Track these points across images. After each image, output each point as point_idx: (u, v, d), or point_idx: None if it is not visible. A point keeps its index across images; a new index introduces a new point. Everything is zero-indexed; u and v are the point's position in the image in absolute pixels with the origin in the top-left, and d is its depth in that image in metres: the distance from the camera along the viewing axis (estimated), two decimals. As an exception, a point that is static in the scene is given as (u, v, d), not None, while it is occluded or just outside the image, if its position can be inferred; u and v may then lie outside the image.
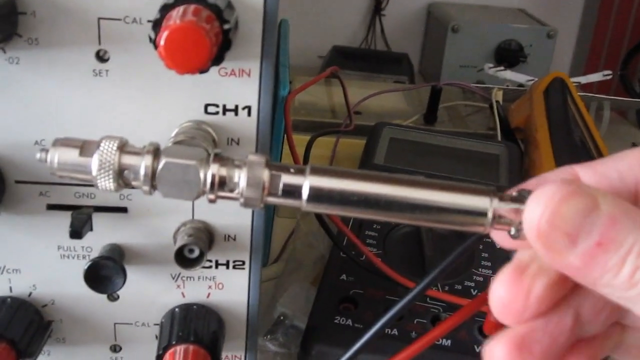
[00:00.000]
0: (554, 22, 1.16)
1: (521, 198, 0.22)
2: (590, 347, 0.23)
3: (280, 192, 0.24)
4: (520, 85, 0.93)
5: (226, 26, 0.26)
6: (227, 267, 0.35)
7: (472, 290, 0.47)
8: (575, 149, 0.66)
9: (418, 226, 0.52)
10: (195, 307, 0.35)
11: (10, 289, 0.35)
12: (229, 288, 0.35)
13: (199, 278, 0.35)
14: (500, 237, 0.24)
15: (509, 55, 1.10)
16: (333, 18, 1.27)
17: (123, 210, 0.33)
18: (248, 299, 0.36)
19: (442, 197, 0.23)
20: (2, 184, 0.32)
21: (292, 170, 0.24)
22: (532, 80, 0.87)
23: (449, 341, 0.42)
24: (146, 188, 0.25)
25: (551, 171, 0.24)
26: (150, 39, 0.28)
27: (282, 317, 0.50)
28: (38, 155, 0.25)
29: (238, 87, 0.30)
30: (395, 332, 0.42)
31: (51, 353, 0.37)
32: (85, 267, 0.32)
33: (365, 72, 1.09)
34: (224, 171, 0.24)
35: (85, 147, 0.25)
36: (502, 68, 0.98)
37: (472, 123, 0.82)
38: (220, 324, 0.35)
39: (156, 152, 0.25)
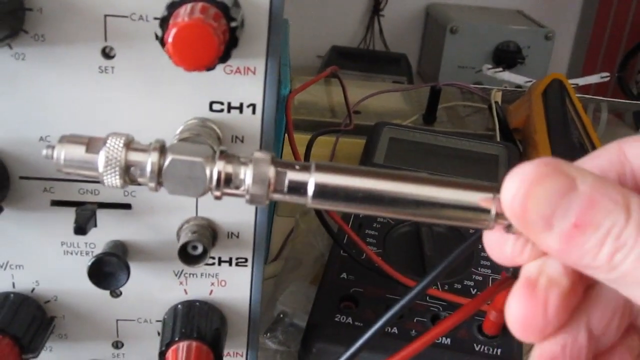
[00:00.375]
0: (552, 24, 1.17)
1: None
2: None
3: (285, 189, 0.24)
4: (518, 86, 0.93)
5: (233, 24, 0.27)
6: (230, 264, 0.35)
7: (471, 289, 0.47)
8: (573, 150, 0.66)
9: (418, 226, 0.52)
10: (197, 304, 0.35)
11: (13, 284, 0.35)
12: (231, 285, 0.35)
13: (201, 275, 0.35)
14: (499, 256, 0.23)
15: (507, 56, 1.10)
16: (332, 18, 1.28)
17: (127, 206, 0.33)
18: (250, 296, 0.36)
19: (447, 194, 0.23)
20: (7, 180, 0.32)
21: (297, 167, 0.24)
22: (530, 81, 0.87)
23: (449, 339, 0.42)
24: (152, 185, 0.25)
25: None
26: (157, 36, 0.28)
27: (282, 315, 0.50)
28: (44, 152, 0.25)
29: (243, 85, 0.30)
30: (395, 330, 0.43)
31: (53, 349, 0.37)
32: (89, 263, 0.32)
33: (364, 73, 1.09)
34: (229, 168, 0.24)
35: (92, 144, 0.25)
36: (500, 69, 0.98)
37: (471, 124, 0.83)
38: (222, 321, 0.35)
39: (162, 149, 0.25)
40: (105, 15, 0.29)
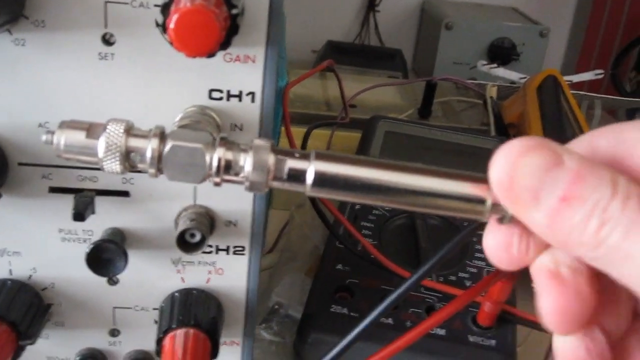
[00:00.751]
0: (547, 21, 1.17)
1: None
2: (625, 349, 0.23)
3: (285, 177, 0.24)
4: (513, 82, 0.94)
5: (234, 11, 0.27)
6: (227, 253, 0.35)
7: (466, 281, 0.47)
8: (567, 145, 0.66)
9: (413, 218, 0.53)
10: (195, 292, 0.35)
11: (10, 271, 0.35)
12: (228, 273, 0.35)
13: (199, 263, 0.35)
14: (505, 259, 0.23)
15: (502, 53, 1.10)
16: (327, 13, 1.28)
17: (125, 194, 0.33)
18: (247, 285, 0.36)
19: (444, 184, 0.24)
20: (5, 166, 0.32)
21: (297, 155, 0.24)
22: (525, 78, 0.88)
23: (444, 330, 0.43)
24: (152, 171, 0.25)
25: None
26: (157, 23, 0.29)
27: (277, 307, 0.50)
28: (44, 137, 0.25)
29: (242, 73, 0.30)
30: (390, 321, 0.43)
31: (50, 336, 0.37)
32: (88, 249, 0.32)
33: (359, 68, 1.10)
34: (229, 155, 0.24)
35: (92, 130, 0.25)
36: (495, 65, 0.98)
37: (466, 118, 0.83)
38: (219, 309, 0.36)
39: (162, 136, 0.25)
40: (106, 2, 0.29)
